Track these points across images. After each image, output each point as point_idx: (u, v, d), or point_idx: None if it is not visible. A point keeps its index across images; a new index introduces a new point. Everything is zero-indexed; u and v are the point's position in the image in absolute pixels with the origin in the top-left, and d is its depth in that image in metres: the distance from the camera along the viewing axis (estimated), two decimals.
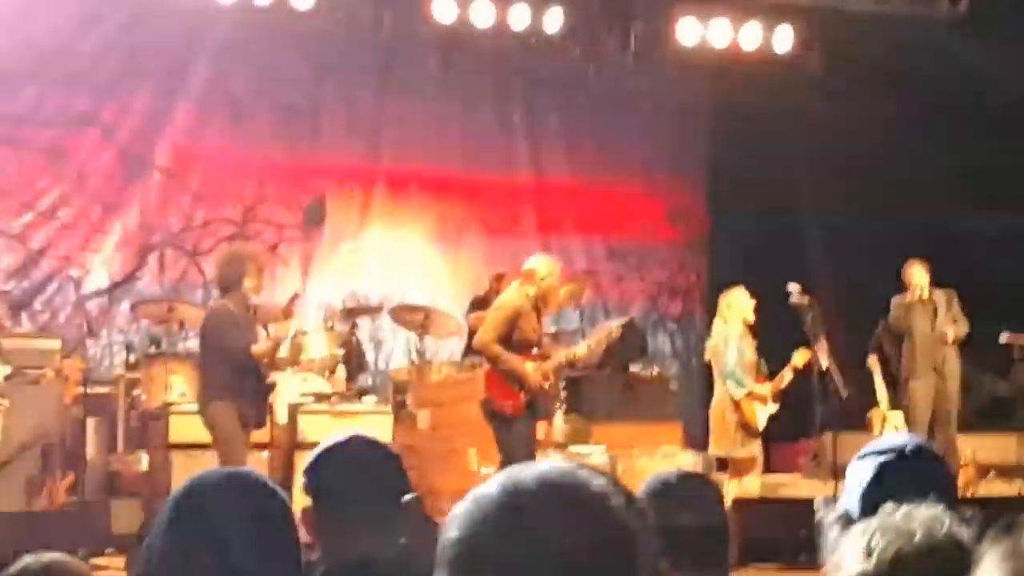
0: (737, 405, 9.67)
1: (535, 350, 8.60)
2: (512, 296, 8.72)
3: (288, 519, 2.23)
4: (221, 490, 2.23)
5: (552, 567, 1.33)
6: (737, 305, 9.82)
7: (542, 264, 8.75)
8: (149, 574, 2.14)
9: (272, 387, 8.45)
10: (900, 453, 3.12)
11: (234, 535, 2.12)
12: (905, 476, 2.98)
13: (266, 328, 8.57)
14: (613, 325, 9.69)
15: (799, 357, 9.66)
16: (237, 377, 8.05)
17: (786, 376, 9.76)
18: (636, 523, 1.40)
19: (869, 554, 2.01)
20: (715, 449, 9.82)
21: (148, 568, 2.15)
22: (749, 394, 9.67)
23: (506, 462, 8.32)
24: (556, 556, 1.33)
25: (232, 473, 2.38)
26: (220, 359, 8.15)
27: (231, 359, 8.07)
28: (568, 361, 8.95)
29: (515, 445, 8.40)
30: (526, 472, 1.41)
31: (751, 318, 9.80)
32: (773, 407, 9.80)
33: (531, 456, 8.36)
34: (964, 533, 2.03)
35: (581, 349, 9.11)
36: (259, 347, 8.09)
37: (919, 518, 2.09)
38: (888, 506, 2.22)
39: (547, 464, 1.43)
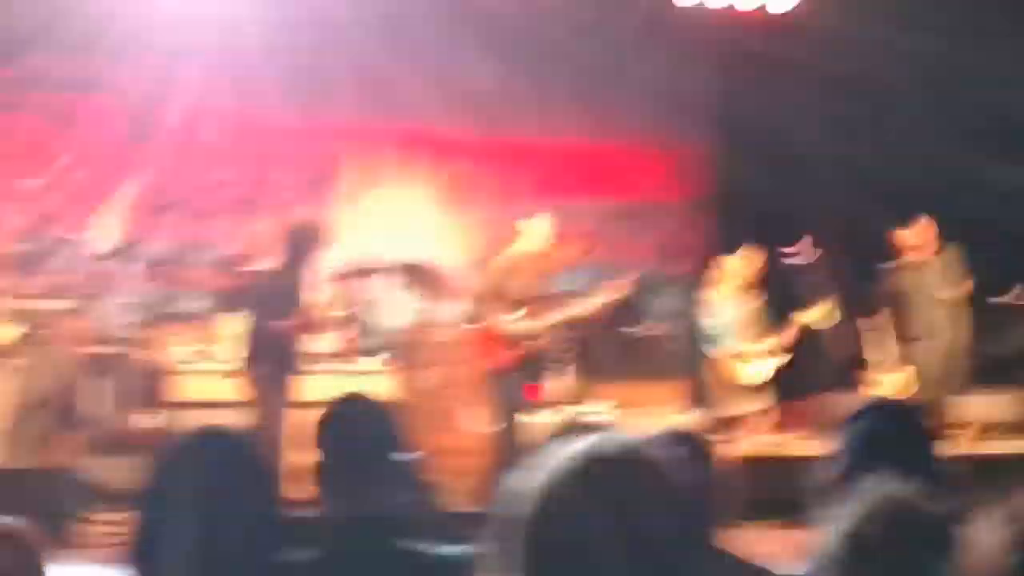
0: (723, 365, 9.67)
1: (527, 308, 8.69)
2: (504, 255, 8.87)
3: (266, 474, 2.26)
4: (198, 448, 2.27)
5: (626, 538, 1.39)
6: (730, 270, 9.86)
7: (534, 224, 8.86)
8: (140, 531, 2.18)
9: (298, 356, 8.38)
10: (887, 413, 3.21)
11: (211, 491, 2.15)
12: (891, 436, 3.07)
13: None
14: (620, 284, 9.70)
15: (814, 313, 9.66)
16: (278, 347, 8.09)
17: (788, 334, 9.74)
18: (706, 493, 1.46)
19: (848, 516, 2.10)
20: (718, 408, 9.88)
21: (138, 526, 2.19)
22: (738, 354, 9.67)
23: (499, 418, 8.45)
24: (630, 527, 1.39)
25: (209, 431, 2.41)
26: (260, 327, 8.23)
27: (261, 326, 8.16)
28: (567, 319, 9.00)
29: (506, 401, 8.54)
30: (603, 444, 1.46)
31: (748, 279, 9.79)
32: (774, 362, 9.77)
33: (520, 412, 8.52)
34: (938, 506, 2.10)
35: (578, 308, 9.15)
36: (278, 324, 8.06)
37: (893, 485, 2.17)
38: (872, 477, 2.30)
39: (620, 435, 1.49)
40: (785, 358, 9.79)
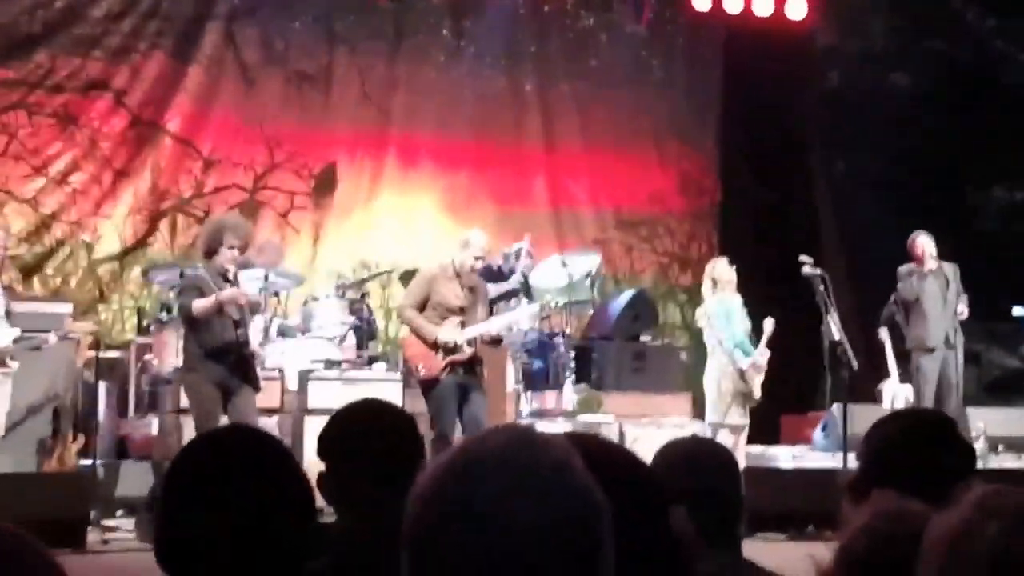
0: (741, 374, 9.63)
1: (454, 318, 8.65)
2: (435, 263, 8.92)
3: (296, 473, 2.19)
4: (225, 446, 2.20)
5: (508, 542, 1.29)
6: (728, 273, 9.80)
7: (470, 237, 8.86)
8: (163, 533, 2.11)
9: (238, 342, 8.25)
10: (918, 424, 3.12)
11: (238, 490, 2.08)
12: (924, 448, 2.97)
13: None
14: (532, 310, 9.59)
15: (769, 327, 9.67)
16: (202, 341, 8.05)
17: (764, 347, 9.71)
18: (598, 495, 1.36)
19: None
20: (711, 416, 9.78)
21: (161, 528, 2.12)
22: (752, 363, 9.63)
23: (431, 426, 8.39)
24: (512, 534, 1.30)
25: (235, 429, 2.35)
26: (188, 327, 8.20)
27: (191, 325, 8.10)
28: (487, 334, 8.87)
29: (437, 408, 8.49)
30: (484, 442, 1.37)
31: (733, 285, 9.79)
32: (762, 376, 9.75)
33: (451, 420, 8.44)
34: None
35: (500, 324, 9.03)
36: (199, 303, 8.03)
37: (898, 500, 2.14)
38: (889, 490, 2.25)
39: (504, 434, 1.38)
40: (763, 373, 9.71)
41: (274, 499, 2.08)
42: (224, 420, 8.05)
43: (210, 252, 8.21)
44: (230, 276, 8.18)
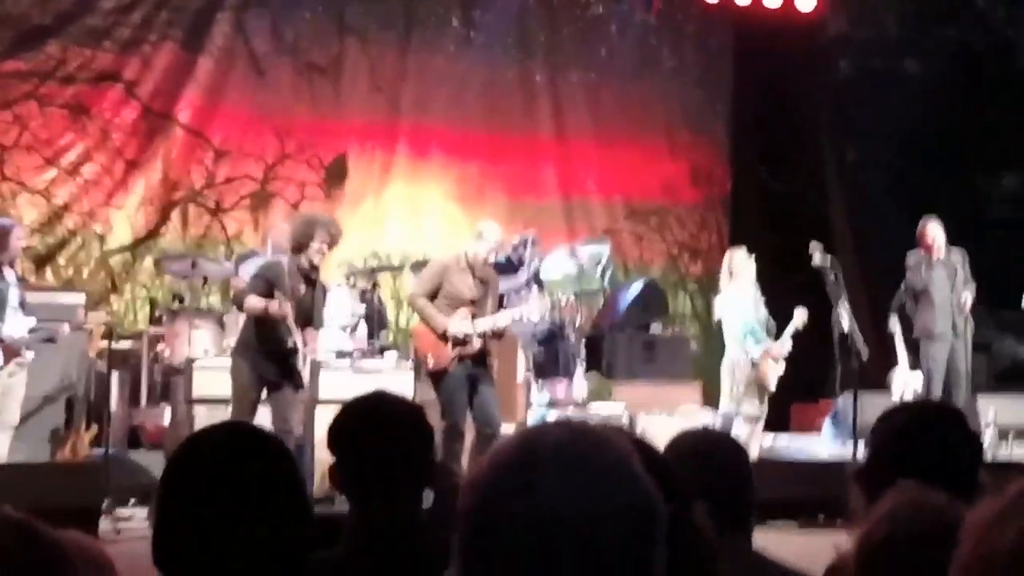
0: (754, 363, 9.63)
1: (469, 309, 8.61)
2: (448, 253, 8.89)
3: (293, 472, 2.20)
4: (219, 445, 2.21)
5: (567, 535, 1.30)
6: (744, 264, 9.80)
7: (484, 229, 8.83)
8: (159, 532, 2.13)
9: (287, 349, 8.26)
10: (926, 414, 3.12)
11: (234, 490, 2.09)
12: (932, 438, 2.98)
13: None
14: (542, 303, 9.54)
15: (799, 317, 9.64)
16: (258, 335, 8.09)
17: (787, 337, 9.71)
18: (652, 487, 1.37)
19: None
20: (724, 406, 9.79)
21: (157, 526, 2.14)
22: (765, 352, 9.64)
23: (442, 417, 8.37)
24: (571, 524, 1.31)
25: (231, 427, 2.36)
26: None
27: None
28: (497, 328, 8.83)
29: (447, 399, 8.46)
30: (544, 434, 1.37)
31: (753, 275, 9.79)
32: (781, 367, 9.74)
33: (462, 411, 8.41)
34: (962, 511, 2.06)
35: (510, 318, 8.96)
36: (251, 303, 8.06)
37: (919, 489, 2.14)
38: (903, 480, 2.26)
39: (566, 425, 1.39)
40: (788, 360, 9.71)
41: (268, 499, 2.10)
42: (260, 411, 8.12)
43: (298, 247, 8.20)
44: (313, 275, 8.22)
